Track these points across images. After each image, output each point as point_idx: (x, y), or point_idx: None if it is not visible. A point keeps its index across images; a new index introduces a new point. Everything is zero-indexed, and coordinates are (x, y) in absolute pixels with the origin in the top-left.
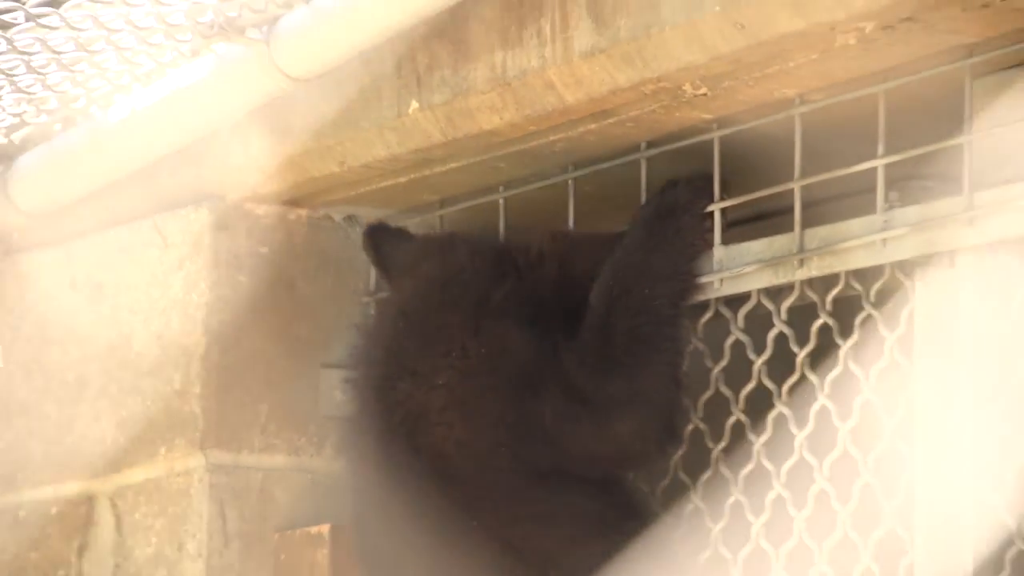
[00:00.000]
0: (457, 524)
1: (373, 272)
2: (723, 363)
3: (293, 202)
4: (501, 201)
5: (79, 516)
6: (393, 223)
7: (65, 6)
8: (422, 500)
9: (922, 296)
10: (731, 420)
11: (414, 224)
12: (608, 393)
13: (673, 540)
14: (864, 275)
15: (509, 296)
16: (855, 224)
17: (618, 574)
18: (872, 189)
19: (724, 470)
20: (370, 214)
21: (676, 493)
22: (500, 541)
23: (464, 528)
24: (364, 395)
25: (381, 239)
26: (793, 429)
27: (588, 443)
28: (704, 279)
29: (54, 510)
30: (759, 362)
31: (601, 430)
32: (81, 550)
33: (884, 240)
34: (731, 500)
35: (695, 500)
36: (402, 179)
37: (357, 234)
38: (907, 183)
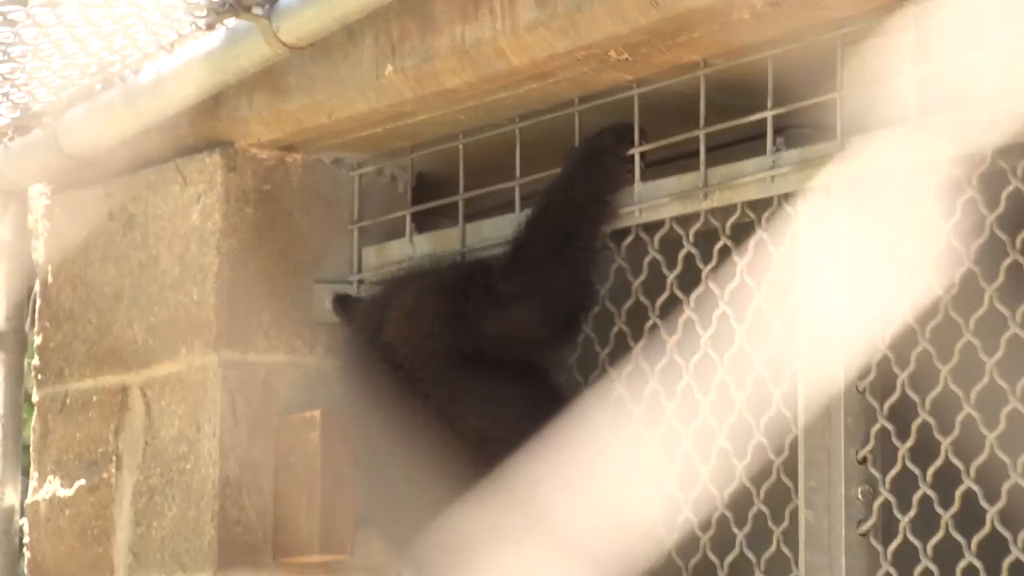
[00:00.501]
0: (409, 406)
1: (357, 204)
2: (642, 277)
3: (290, 148)
4: (460, 146)
5: (115, 403)
6: (372, 165)
7: None
8: (385, 389)
9: (803, 221)
10: (649, 323)
11: (389, 165)
12: (511, 288)
13: (599, 422)
14: (756, 205)
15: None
16: (749, 164)
17: (552, 449)
18: (763, 135)
19: (643, 364)
20: (353, 157)
21: (604, 383)
22: (443, 418)
23: (414, 408)
24: (353, 324)
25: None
26: (699, 330)
27: (494, 327)
28: (625, 210)
29: (94, 398)
30: (671, 276)
31: (502, 317)
32: (117, 431)
33: (772, 177)
34: (648, 388)
35: (619, 388)
36: (379, 129)
37: (343, 174)
38: (791, 130)
